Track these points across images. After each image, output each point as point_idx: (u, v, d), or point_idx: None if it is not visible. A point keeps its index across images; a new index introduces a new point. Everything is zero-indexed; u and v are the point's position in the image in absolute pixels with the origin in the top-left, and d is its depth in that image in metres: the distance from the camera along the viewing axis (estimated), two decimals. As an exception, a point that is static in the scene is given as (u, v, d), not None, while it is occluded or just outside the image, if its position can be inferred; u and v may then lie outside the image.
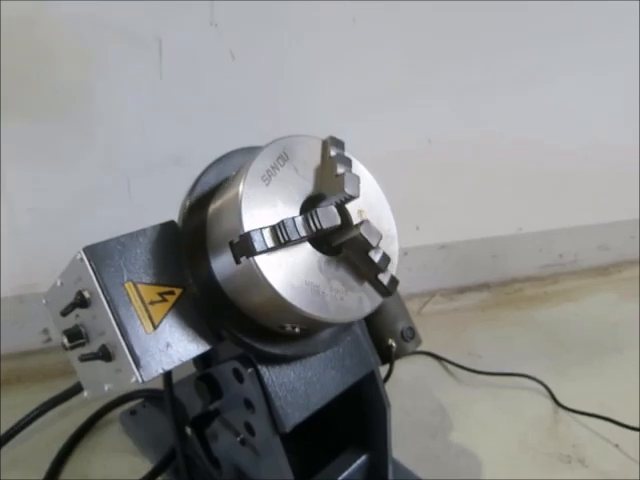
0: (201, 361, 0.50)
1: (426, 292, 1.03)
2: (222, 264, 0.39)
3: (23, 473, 0.61)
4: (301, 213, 0.37)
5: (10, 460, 0.62)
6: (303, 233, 0.35)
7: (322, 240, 0.38)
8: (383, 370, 0.58)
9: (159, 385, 0.53)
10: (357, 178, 0.38)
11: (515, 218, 1.04)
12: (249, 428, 0.46)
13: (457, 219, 0.97)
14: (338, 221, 0.36)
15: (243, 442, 0.48)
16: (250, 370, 0.43)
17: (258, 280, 0.35)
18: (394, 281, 0.40)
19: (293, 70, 0.76)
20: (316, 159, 0.40)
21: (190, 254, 0.41)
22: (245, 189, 0.36)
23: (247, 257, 0.35)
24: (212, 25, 0.69)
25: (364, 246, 0.37)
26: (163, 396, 0.53)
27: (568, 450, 0.69)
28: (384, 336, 0.59)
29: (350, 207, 0.40)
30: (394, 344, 0.59)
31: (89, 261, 0.38)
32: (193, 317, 0.41)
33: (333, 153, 0.39)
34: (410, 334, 0.61)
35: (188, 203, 0.42)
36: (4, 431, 0.62)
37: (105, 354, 0.40)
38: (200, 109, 0.73)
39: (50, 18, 0.64)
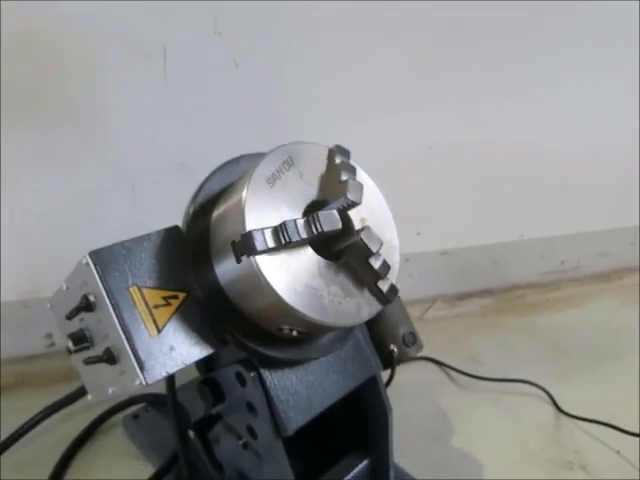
0: (204, 365, 0.50)
1: (428, 298, 1.04)
2: (225, 268, 0.39)
3: (26, 476, 0.61)
4: (304, 217, 0.37)
5: (14, 463, 0.62)
6: (304, 235, 0.35)
7: (324, 245, 0.39)
8: (385, 375, 0.58)
9: (161, 389, 0.53)
10: (360, 185, 0.38)
11: (517, 224, 1.05)
12: (251, 432, 0.46)
13: (458, 225, 0.97)
14: (339, 225, 0.36)
15: (245, 446, 0.48)
16: (253, 374, 0.43)
17: (258, 280, 0.35)
18: (393, 289, 0.40)
19: (295, 77, 0.77)
20: (321, 166, 0.40)
21: (194, 259, 0.41)
22: (249, 191, 0.36)
23: (248, 256, 0.35)
24: (216, 34, 0.70)
25: (364, 252, 0.37)
26: (165, 400, 0.54)
27: (570, 456, 0.69)
28: (386, 341, 0.59)
29: (352, 215, 0.40)
30: (396, 349, 0.59)
31: (95, 265, 0.39)
32: (197, 321, 0.41)
33: (338, 161, 0.40)
34: (412, 339, 0.61)
35: (192, 209, 0.43)
36: (8, 434, 0.63)
37: (109, 357, 0.40)
38: (204, 115, 0.74)
39: (56, 25, 0.65)
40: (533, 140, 0.96)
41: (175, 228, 0.44)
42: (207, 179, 0.44)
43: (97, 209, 0.75)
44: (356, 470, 0.55)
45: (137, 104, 0.71)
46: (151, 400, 0.70)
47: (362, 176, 0.42)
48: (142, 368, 0.38)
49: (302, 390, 0.45)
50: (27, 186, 0.72)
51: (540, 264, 1.12)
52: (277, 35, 0.74)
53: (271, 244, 0.35)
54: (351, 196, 0.37)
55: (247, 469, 0.51)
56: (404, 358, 0.61)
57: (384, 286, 0.39)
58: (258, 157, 0.39)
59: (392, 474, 0.55)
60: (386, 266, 0.38)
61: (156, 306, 0.40)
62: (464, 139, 0.90)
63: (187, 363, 0.40)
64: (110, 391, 0.43)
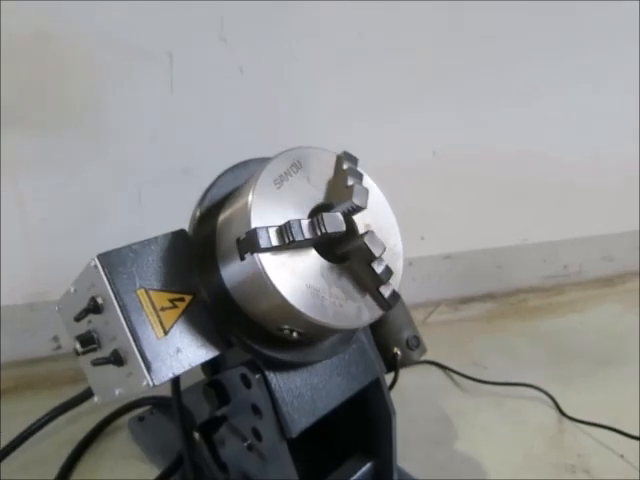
0: (209, 367, 0.51)
1: (431, 302, 1.04)
2: (231, 271, 0.40)
3: (33, 476, 0.62)
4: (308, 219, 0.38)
5: (20, 464, 0.63)
6: (308, 235, 0.36)
7: (328, 248, 0.39)
8: (388, 378, 0.59)
9: (167, 392, 0.54)
10: (366, 191, 0.38)
11: (520, 229, 1.05)
12: (256, 433, 0.47)
13: (462, 229, 0.98)
14: (343, 227, 0.36)
15: (250, 447, 0.48)
16: (258, 376, 0.43)
17: (261, 279, 0.36)
18: (395, 295, 0.40)
19: (299, 83, 0.78)
20: (329, 172, 0.41)
21: (200, 262, 0.42)
22: (256, 190, 0.37)
23: (251, 253, 0.35)
24: (222, 40, 0.71)
25: (367, 256, 0.38)
26: (170, 403, 0.54)
27: (573, 460, 0.69)
28: (389, 344, 0.60)
29: (357, 220, 0.40)
30: (399, 352, 0.60)
31: (103, 268, 0.39)
32: (203, 323, 0.42)
33: (345, 167, 0.40)
34: (415, 343, 0.61)
35: (198, 212, 0.43)
36: (15, 435, 0.63)
37: (117, 359, 0.40)
38: (209, 121, 0.75)
39: (65, 33, 0.66)
40: (536, 145, 0.96)
41: (181, 231, 0.44)
42: (213, 183, 0.44)
43: (101, 213, 0.76)
44: (360, 473, 0.55)
45: (143, 109, 0.72)
46: (156, 403, 0.70)
47: (368, 183, 0.42)
48: (149, 369, 0.39)
49: (306, 392, 0.45)
50: (32, 190, 0.73)
51: (543, 268, 1.12)
52: (281, 41, 0.74)
53: (275, 242, 0.35)
54: (356, 200, 0.37)
55: (252, 471, 0.51)
56: (408, 361, 0.61)
57: (386, 292, 0.40)
58: (265, 161, 0.40)
59: (396, 477, 0.55)
60: (389, 271, 0.39)
61: (163, 308, 0.41)
62: (467, 144, 0.91)
63: (193, 365, 0.41)
64: (117, 392, 0.44)
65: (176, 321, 0.41)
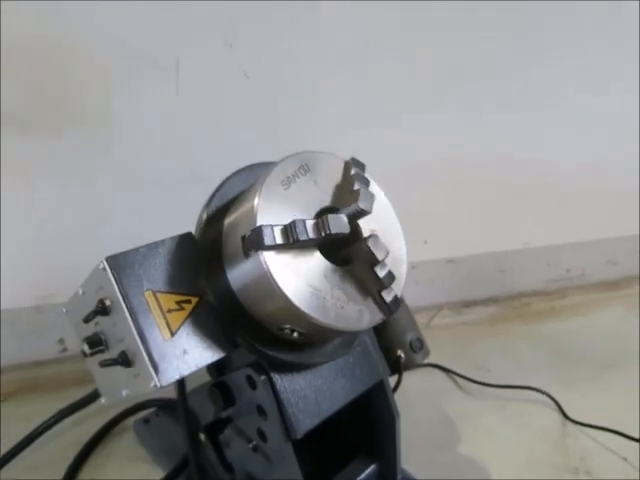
0: (215, 369, 0.51)
1: (434, 305, 1.04)
2: (237, 273, 0.40)
3: (40, 478, 0.62)
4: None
5: (27, 466, 0.63)
6: (312, 235, 0.36)
7: (332, 250, 0.40)
8: (392, 380, 0.59)
9: (172, 394, 0.54)
10: (372, 196, 0.39)
11: (522, 233, 1.05)
12: (261, 435, 0.47)
13: (465, 233, 0.98)
14: (347, 229, 0.37)
15: (255, 449, 0.49)
16: (263, 377, 0.44)
17: (265, 278, 0.36)
18: (397, 301, 0.40)
19: (304, 88, 0.79)
20: (336, 176, 0.41)
21: (207, 264, 0.42)
22: (264, 189, 0.38)
23: (255, 250, 0.36)
24: (227, 46, 0.72)
25: (370, 259, 0.38)
26: (176, 405, 0.55)
27: (576, 463, 0.69)
28: (393, 347, 0.60)
29: (362, 225, 0.41)
30: (403, 355, 0.60)
31: (111, 270, 0.40)
32: (209, 325, 0.42)
33: (353, 172, 0.41)
34: (419, 345, 0.62)
35: (205, 216, 0.44)
36: (22, 437, 0.64)
37: (124, 360, 0.41)
38: (215, 126, 0.76)
39: (73, 40, 0.67)
40: (538, 149, 0.97)
41: (188, 234, 0.45)
42: (220, 187, 0.45)
43: (108, 216, 0.77)
44: (364, 475, 0.56)
45: (149, 114, 0.73)
46: (161, 405, 0.71)
47: (375, 189, 0.43)
48: (156, 370, 0.39)
49: (311, 394, 0.46)
50: (39, 194, 0.74)
51: (546, 272, 1.12)
52: (286, 46, 0.75)
53: (279, 241, 0.36)
54: (362, 204, 0.38)
55: (257, 472, 0.51)
56: (411, 364, 0.62)
57: (388, 296, 0.40)
58: (271, 164, 0.40)
59: (400, 479, 0.55)
60: (391, 276, 0.39)
61: (170, 310, 0.41)
62: (469, 148, 0.91)
63: (200, 366, 0.41)
64: (124, 393, 0.44)
65: (183, 323, 0.41)
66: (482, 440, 0.72)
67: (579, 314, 1.05)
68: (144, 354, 0.39)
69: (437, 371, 0.86)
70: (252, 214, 0.37)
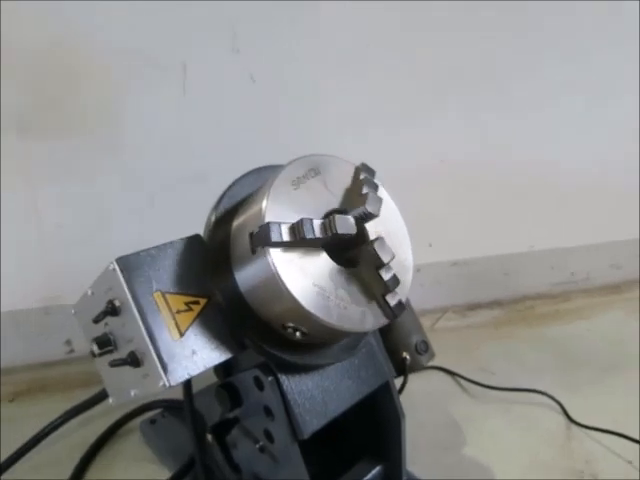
0: (222, 370, 0.52)
1: (438, 308, 1.04)
2: (245, 275, 0.41)
3: (46, 479, 0.63)
4: None
5: (34, 466, 0.64)
6: (318, 234, 0.36)
7: (338, 252, 0.40)
8: (397, 382, 0.59)
9: (178, 395, 0.54)
10: (380, 200, 0.39)
11: (527, 236, 1.05)
12: (268, 435, 0.47)
13: (469, 236, 0.98)
14: (353, 230, 0.37)
15: (262, 449, 0.49)
16: (270, 378, 0.44)
17: (272, 276, 0.36)
18: (401, 306, 0.41)
19: (310, 92, 0.79)
20: (346, 180, 0.42)
21: (215, 266, 0.43)
22: (273, 188, 0.38)
23: (262, 247, 0.36)
24: (234, 51, 0.72)
25: (376, 262, 0.38)
26: (182, 406, 0.55)
27: (581, 466, 0.69)
28: (398, 349, 0.61)
29: (369, 228, 0.41)
30: (408, 357, 0.61)
31: (121, 271, 0.40)
32: (217, 326, 0.43)
33: (362, 177, 0.41)
34: (424, 347, 0.62)
35: (213, 218, 0.44)
36: (29, 438, 0.64)
37: (134, 360, 0.41)
38: (221, 129, 0.76)
39: (82, 44, 0.67)
40: (543, 152, 0.97)
41: (196, 236, 0.45)
42: (228, 189, 0.45)
43: (115, 219, 0.78)
44: (369, 476, 0.56)
45: (157, 118, 0.74)
46: (168, 405, 0.71)
47: (384, 196, 0.43)
48: (165, 370, 0.39)
49: (318, 395, 0.46)
50: (47, 197, 0.74)
51: (550, 275, 1.12)
52: (292, 50, 0.76)
53: (286, 238, 0.36)
54: (369, 207, 0.38)
55: (263, 472, 0.52)
56: (416, 366, 0.62)
57: (392, 300, 0.40)
58: (278, 167, 0.40)
59: (405, 480, 0.56)
60: (396, 280, 0.39)
61: (178, 311, 0.42)
62: (474, 151, 0.92)
63: (208, 366, 0.41)
64: (132, 394, 0.45)
65: (191, 323, 0.42)
66: (487, 443, 0.72)
67: (583, 317, 1.05)
68: (153, 354, 0.39)
69: (442, 374, 0.86)
70: (261, 211, 0.37)
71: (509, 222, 1.00)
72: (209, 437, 0.52)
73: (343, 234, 0.37)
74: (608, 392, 0.82)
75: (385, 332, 0.58)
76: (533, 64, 0.90)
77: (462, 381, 0.84)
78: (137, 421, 0.71)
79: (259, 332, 0.42)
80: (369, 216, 0.39)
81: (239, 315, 0.42)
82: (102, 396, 0.64)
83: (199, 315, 0.42)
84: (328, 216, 0.38)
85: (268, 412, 0.46)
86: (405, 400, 0.56)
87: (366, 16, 0.77)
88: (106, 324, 0.45)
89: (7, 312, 0.78)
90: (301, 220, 0.36)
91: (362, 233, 0.41)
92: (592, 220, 1.06)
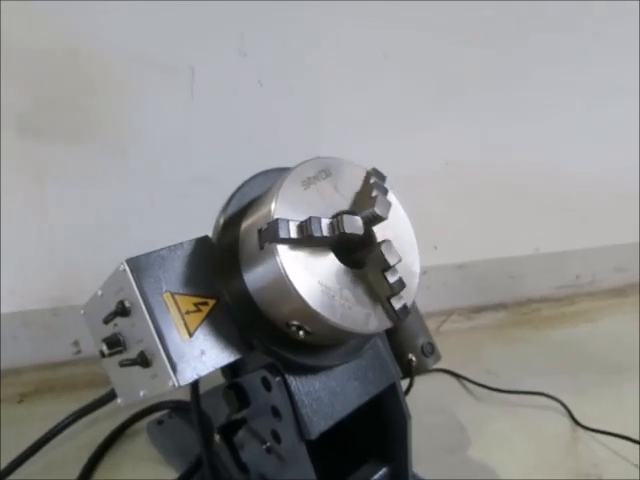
0: (229, 370, 0.52)
1: (444, 311, 1.04)
2: (254, 275, 0.41)
3: (54, 479, 0.63)
4: None
5: (42, 466, 0.64)
6: (326, 233, 0.37)
7: (346, 253, 0.40)
8: (403, 384, 0.59)
9: (185, 396, 0.55)
10: (389, 203, 0.40)
11: (532, 239, 1.06)
12: (275, 436, 0.48)
13: (474, 239, 0.98)
14: (361, 231, 0.38)
15: (269, 450, 0.49)
16: (278, 379, 0.44)
17: (277, 269, 0.37)
18: (405, 310, 0.41)
19: (317, 96, 0.80)
20: (356, 184, 0.42)
21: (224, 267, 0.43)
22: (283, 187, 0.38)
23: (270, 243, 0.37)
24: (242, 54, 0.73)
25: (382, 264, 0.39)
26: (189, 407, 0.55)
27: (587, 469, 0.69)
28: (404, 351, 0.61)
29: (378, 232, 0.41)
30: (414, 359, 0.61)
31: (131, 272, 0.41)
32: (226, 327, 0.43)
33: (372, 181, 0.42)
34: (430, 349, 0.62)
35: (222, 220, 0.45)
36: (37, 438, 0.64)
37: (143, 360, 0.41)
38: (228, 132, 0.77)
39: (91, 49, 0.68)
40: (548, 155, 0.97)
41: (205, 238, 0.45)
42: (236, 191, 0.46)
43: (124, 220, 0.78)
44: (375, 477, 0.56)
45: (164, 121, 0.74)
46: (175, 406, 0.71)
47: (394, 201, 0.43)
48: (175, 370, 0.40)
49: (325, 396, 0.46)
50: (56, 198, 0.75)
51: (555, 278, 1.12)
52: (299, 55, 0.77)
53: (294, 235, 0.36)
54: (378, 210, 0.38)
55: (271, 473, 0.52)
56: (422, 368, 0.62)
57: (397, 304, 0.40)
58: (286, 170, 0.41)
59: (411, 482, 0.56)
60: (401, 283, 0.39)
61: (188, 312, 0.42)
62: (480, 156, 0.92)
63: (217, 366, 0.42)
64: (141, 394, 0.45)
65: (200, 324, 0.42)
66: (492, 445, 0.72)
67: (589, 320, 1.05)
68: (163, 354, 0.40)
69: (447, 376, 0.86)
70: (270, 208, 0.38)
71: (514, 225, 1.00)
72: (217, 438, 0.53)
73: (350, 234, 0.37)
74: (614, 395, 0.82)
75: (391, 334, 0.58)
76: (539, 70, 0.91)
77: (468, 383, 0.84)
78: (144, 422, 0.71)
79: (267, 333, 0.42)
80: (377, 218, 0.39)
81: (247, 316, 0.42)
82: (110, 397, 0.64)
83: (208, 316, 0.43)
84: (336, 217, 0.38)
85: (275, 413, 0.46)
86: (410, 402, 0.56)
87: (371, 22, 0.78)
88: (115, 325, 0.45)
89: (15, 313, 0.79)
90: (309, 218, 0.37)
91: (370, 235, 0.41)
92: (597, 223, 1.07)
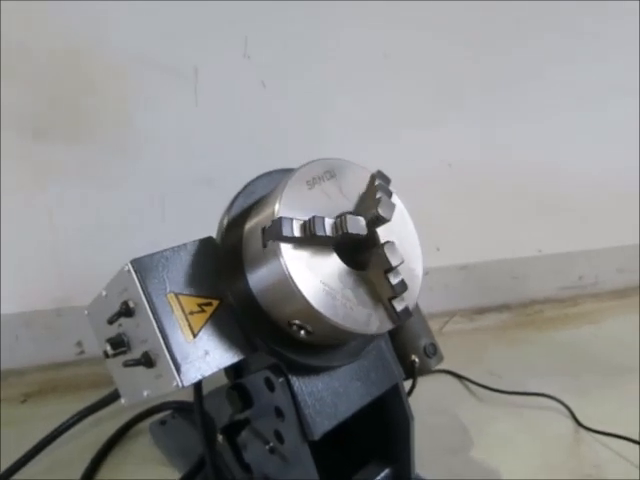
0: (233, 371, 0.52)
1: (446, 312, 1.05)
2: (258, 278, 0.41)
3: (58, 479, 0.63)
4: None
5: (46, 466, 0.64)
6: (329, 232, 0.37)
7: (349, 254, 0.40)
8: (406, 385, 0.59)
9: (188, 397, 0.55)
10: (393, 205, 0.40)
11: (535, 240, 1.06)
12: (279, 436, 0.48)
13: (477, 241, 0.98)
14: (364, 231, 0.38)
15: (272, 450, 0.49)
16: (281, 379, 0.44)
17: (279, 267, 0.37)
18: (407, 312, 0.41)
19: (320, 97, 0.80)
20: (361, 186, 0.42)
21: (227, 268, 0.43)
22: (287, 187, 0.38)
23: (273, 240, 0.37)
24: (245, 57, 0.73)
25: (384, 265, 0.39)
26: (192, 407, 0.56)
27: (590, 470, 0.69)
28: (407, 351, 0.61)
29: (381, 234, 0.41)
30: (417, 359, 0.61)
31: (136, 273, 0.41)
32: (229, 327, 0.43)
33: (377, 183, 0.42)
34: (432, 350, 0.62)
35: (226, 221, 0.45)
36: (41, 438, 0.65)
37: (147, 360, 0.42)
38: (232, 134, 0.77)
39: (96, 49, 0.69)
40: (550, 157, 0.97)
41: (209, 239, 0.46)
42: (240, 192, 0.46)
43: (127, 222, 0.78)
44: (378, 478, 0.56)
45: (169, 123, 0.75)
46: (177, 407, 0.71)
47: (399, 205, 0.43)
48: (179, 371, 0.40)
49: (328, 396, 0.46)
50: (61, 200, 0.75)
51: (558, 279, 1.12)
52: (302, 57, 0.77)
53: (297, 234, 0.37)
54: (381, 211, 0.38)
55: (274, 473, 0.52)
56: (425, 369, 0.62)
57: (399, 306, 0.40)
58: (289, 170, 0.41)
59: (414, 483, 0.56)
60: (403, 285, 0.39)
61: (191, 312, 0.42)
62: (483, 158, 0.92)
63: (220, 367, 0.42)
64: (145, 394, 0.45)
65: (204, 325, 0.42)
66: (495, 446, 0.72)
67: (592, 322, 1.05)
68: (167, 355, 0.40)
69: (450, 377, 0.86)
70: (274, 206, 0.38)
71: (517, 226, 1.00)
72: (220, 438, 0.53)
73: (353, 234, 0.37)
74: (617, 396, 0.81)
75: (394, 335, 0.58)
76: (542, 73, 0.91)
77: (470, 385, 0.84)
78: (147, 422, 0.71)
79: (270, 334, 0.42)
80: (381, 220, 0.39)
81: (251, 316, 0.42)
82: (113, 397, 0.64)
83: (211, 316, 0.43)
84: (340, 217, 0.38)
85: (278, 413, 0.46)
86: (413, 404, 0.56)
87: (375, 25, 0.78)
88: (120, 325, 0.45)
89: (18, 313, 0.79)
90: (313, 217, 0.37)
91: (373, 237, 0.41)
92: (600, 224, 1.06)
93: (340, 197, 0.41)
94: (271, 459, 0.50)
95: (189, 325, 0.42)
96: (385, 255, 0.38)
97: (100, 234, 0.78)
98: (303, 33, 0.75)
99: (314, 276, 0.38)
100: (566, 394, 0.80)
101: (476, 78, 0.87)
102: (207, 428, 0.55)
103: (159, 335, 0.40)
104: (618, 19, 0.91)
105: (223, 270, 0.44)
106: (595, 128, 0.98)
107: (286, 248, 0.37)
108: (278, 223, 0.36)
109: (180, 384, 0.40)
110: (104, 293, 0.46)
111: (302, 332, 0.40)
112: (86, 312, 0.50)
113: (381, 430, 0.56)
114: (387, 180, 0.43)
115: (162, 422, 0.70)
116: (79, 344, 0.83)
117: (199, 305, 0.43)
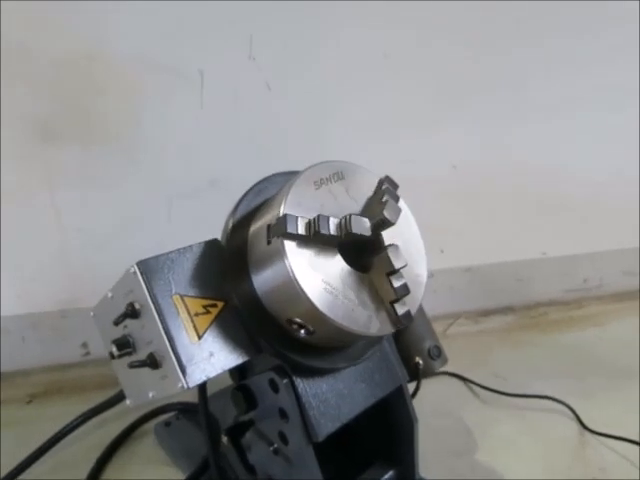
0: (237, 373, 0.52)
1: (451, 314, 1.04)
2: (263, 279, 0.41)
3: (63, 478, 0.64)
4: None
5: (51, 467, 0.65)
6: (333, 232, 0.37)
7: (353, 256, 0.40)
8: (410, 387, 0.59)
9: (192, 398, 0.55)
10: (399, 209, 0.40)
11: (539, 242, 1.05)
12: (283, 437, 0.48)
13: (482, 243, 0.98)
14: (368, 232, 0.38)
15: (276, 452, 0.49)
16: (286, 381, 0.44)
17: (282, 262, 0.37)
18: (409, 316, 0.41)
19: (325, 99, 0.80)
20: (368, 190, 0.42)
21: (232, 270, 0.43)
22: (295, 186, 0.39)
23: (278, 237, 0.37)
24: (250, 59, 0.73)
25: (387, 267, 0.39)
26: (196, 409, 0.55)
27: (595, 473, 0.68)
28: (411, 353, 0.61)
29: (387, 238, 0.41)
30: (421, 362, 0.61)
31: (142, 274, 0.41)
32: (234, 329, 0.43)
33: (384, 187, 0.42)
34: (436, 352, 0.62)
35: (231, 223, 0.45)
36: (46, 439, 0.65)
37: (152, 362, 0.42)
38: (237, 136, 0.78)
39: (103, 55, 0.69)
40: (555, 159, 0.97)
41: (214, 241, 0.46)
42: (245, 194, 0.46)
43: (133, 224, 0.79)
44: (382, 480, 0.56)
45: (175, 126, 0.75)
46: (182, 408, 0.72)
47: (405, 211, 0.43)
48: (184, 372, 0.40)
49: (332, 398, 0.46)
50: (67, 201, 0.76)
51: (563, 282, 1.12)
52: (307, 59, 0.77)
53: (301, 231, 0.37)
54: (387, 214, 0.38)
55: (278, 475, 0.52)
56: (429, 371, 0.62)
57: (400, 309, 0.40)
58: (298, 171, 0.41)
59: (418, 485, 0.56)
60: (406, 288, 0.39)
61: (197, 314, 0.42)
62: (487, 160, 0.92)
63: (225, 368, 0.42)
64: (150, 395, 0.45)
65: (209, 326, 0.42)
66: (499, 449, 0.71)
67: (596, 324, 1.05)
68: (172, 356, 0.40)
69: (454, 380, 0.86)
70: (281, 204, 0.38)
71: (521, 228, 1.00)
72: (224, 439, 0.53)
73: (357, 234, 0.37)
74: (622, 399, 0.81)
75: (398, 337, 0.58)
76: (546, 74, 0.91)
77: (474, 387, 0.84)
78: (152, 424, 0.72)
79: (275, 335, 0.43)
80: (386, 223, 0.39)
81: (255, 318, 0.43)
82: (118, 398, 0.64)
83: (217, 318, 0.43)
84: (345, 217, 0.38)
85: (283, 414, 0.46)
86: (417, 406, 0.56)
87: (375, 25, 0.78)
88: (125, 326, 0.46)
89: (24, 314, 0.80)
90: (318, 216, 0.37)
91: (378, 239, 0.41)
92: (604, 227, 1.06)
93: (347, 199, 0.41)
94: (275, 460, 0.50)
95: (194, 326, 0.42)
96: (388, 257, 0.39)
97: (106, 236, 0.78)
98: (303, 33, 0.76)
99: (316, 274, 0.38)
100: (571, 397, 0.80)
101: (476, 78, 0.87)
102: (211, 429, 0.55)
103: (164, 336, 0.40)
104: (618, 19, 0.91)
105: (228, 272, 0.44)
106: (600, 131, 0.98)
107: (290, 245, 0.37)
108: (283, 220, 0.37)
109: (185, 385, 0.40)
110: (110, 295, 0.47)
111: (302, 331, 0.41)
112: (92, 313, 0.51)
113: (385, 432, 0.56)
114: (395, 185, 0.43)
115: (167, 423, 0.71)
116: (85, 345, 0.84)
117: (204, 307, 0.43)
